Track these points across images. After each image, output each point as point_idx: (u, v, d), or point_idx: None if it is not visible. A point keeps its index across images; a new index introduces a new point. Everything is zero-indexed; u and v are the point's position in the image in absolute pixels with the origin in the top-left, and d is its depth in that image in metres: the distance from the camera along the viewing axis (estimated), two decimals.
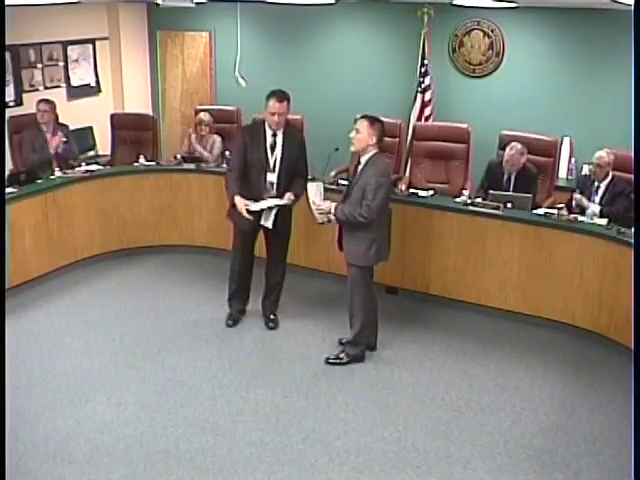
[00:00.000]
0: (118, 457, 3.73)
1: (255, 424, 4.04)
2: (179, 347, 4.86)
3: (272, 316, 5.16)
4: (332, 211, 4.39)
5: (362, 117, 4.35)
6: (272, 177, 4.73)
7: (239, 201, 4.62)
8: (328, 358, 4.66)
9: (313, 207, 4.52)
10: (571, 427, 4.08)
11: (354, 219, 4.29)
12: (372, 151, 4.32)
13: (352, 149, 4.40)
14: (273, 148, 4.71)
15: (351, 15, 7.73)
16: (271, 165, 4.71)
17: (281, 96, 4.64)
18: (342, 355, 4.65)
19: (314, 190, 4.51)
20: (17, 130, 6.55)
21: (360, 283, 4.48)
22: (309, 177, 5.63)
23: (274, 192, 4.74)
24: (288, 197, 4.71)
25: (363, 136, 4.28)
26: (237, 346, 4.90)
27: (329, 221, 4.49)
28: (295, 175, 4.79)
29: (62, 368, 4.55)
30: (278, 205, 4.70)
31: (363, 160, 4.36)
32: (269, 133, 4.72)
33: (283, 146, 4.72)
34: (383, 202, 4.30)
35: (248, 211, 4.60)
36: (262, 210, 4.67)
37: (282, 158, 4.71)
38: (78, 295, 5.62)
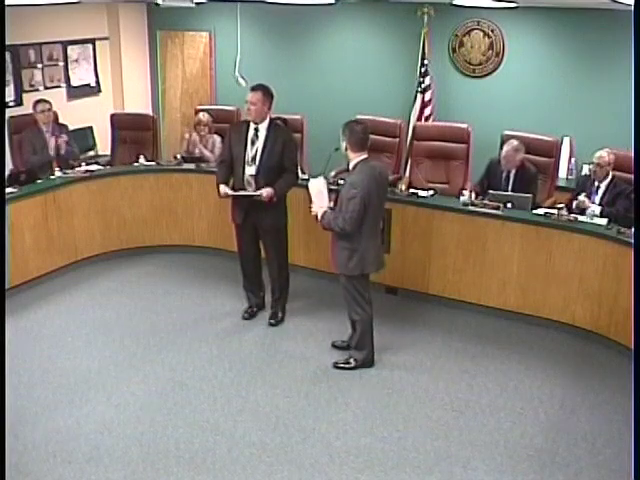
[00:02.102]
0: (118, 457, 3.73)
1: (255, 424, 4.04)
2: (179, 347, 4.86)
3: (274, 313, 5.17)
4: (319, 216, 4.34)
5: None
6: (250, 170, 4.77)
7: (222, 188, 4.83)
8: (337, 363, 4.63)
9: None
10: (571, 427, 4.08)
11: (334, 228, 4.26)
12: (355, 158, 4.22)
13: None
14: (254, 142, 4.76)
15: (351, 15, 7.73)
16: (249, 158, 4.76)
17: (255, 86, 4.78)
18: (351, 360, 4.62)
19: (314, 188, 4.39)
20: (17, 130, 6.54)
21: (350, 290, 4.44)
22: (306, 176, 5.64)
23: (253, 185, 4.78)
24: (264, 191, 4.71)
25: (342, 144, 4.24)
26: (237, 346, 4.90)
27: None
28: (283, 171, 4.81)
29: (62, 368, 4.55)
30: (250, 195, 4.76)
31: (350, 167, 4.29)
32: (252, 127, 4.79)
33: (266, 140, 4.75)
34: (358, 214, 4.15)
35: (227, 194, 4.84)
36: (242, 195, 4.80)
37: (263, 151, 4.74)
38: (78, 295, 5.62)
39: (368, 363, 4.62)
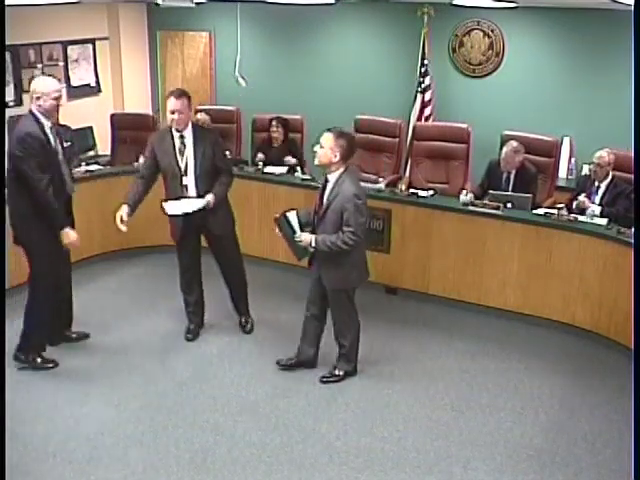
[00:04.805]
0: (118, 457, 3.73)
1: (255, 424, 4.04)
2: (179, 347, 4.86)
3: (244, 320, 5.08)
4: (312, 244, 4.13)
5: (328, 130, 4.08)
6: (187, 180, 4.55)
7: (123, 210, 4.61)
8: (323, 377, 4.50)
9: (291, 239, 4.26)
10: (571, 427, 4.08)
11: (338, 248, 4.04)
12: (339, 169, 4.05)
13: (315, 163, 4.15)
14: (182, 151, 4.52)
15: (351, 15, 7.73)
16: (182, 169, 4.53)
17: (178, 93, 4.48)
18: (336, 372, 4.50)
19: (292, 221, 4.25)
20: None
21: (345, 304, 4.34)
22: (307, 176, 5.63)
23: (194, 193, 4.57)
24: (207, 200, 4.53)
25: (325, 151, 4.01)
26: (237, 346, 4.90)
27: (306, 254, 4.30)
28: (219, 173, 4.63)
29: (62, 368, 4.55)
30: (195, 210, 4.52)
31: (332, 179, 4.09)
32: (176, 136, 4.52)
33: (195, 147, 4.52)
34: (365, 224, 4.12)
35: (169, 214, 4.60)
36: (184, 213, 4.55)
37: (195, 159, 4.52)
38: (77, 295, 5.59)
39: (351, 373, 4.52)
